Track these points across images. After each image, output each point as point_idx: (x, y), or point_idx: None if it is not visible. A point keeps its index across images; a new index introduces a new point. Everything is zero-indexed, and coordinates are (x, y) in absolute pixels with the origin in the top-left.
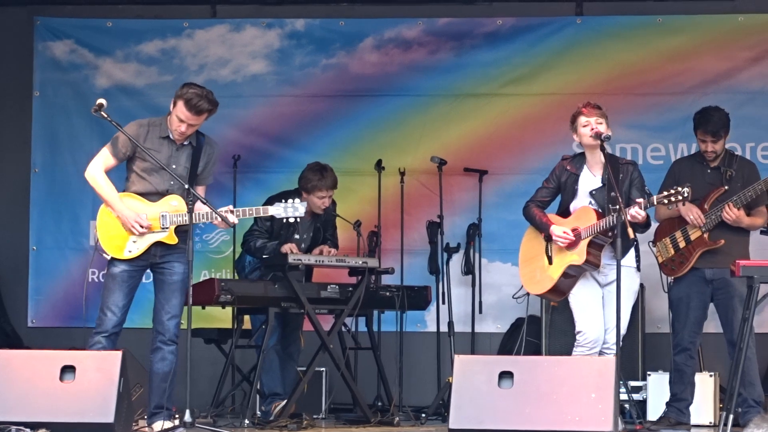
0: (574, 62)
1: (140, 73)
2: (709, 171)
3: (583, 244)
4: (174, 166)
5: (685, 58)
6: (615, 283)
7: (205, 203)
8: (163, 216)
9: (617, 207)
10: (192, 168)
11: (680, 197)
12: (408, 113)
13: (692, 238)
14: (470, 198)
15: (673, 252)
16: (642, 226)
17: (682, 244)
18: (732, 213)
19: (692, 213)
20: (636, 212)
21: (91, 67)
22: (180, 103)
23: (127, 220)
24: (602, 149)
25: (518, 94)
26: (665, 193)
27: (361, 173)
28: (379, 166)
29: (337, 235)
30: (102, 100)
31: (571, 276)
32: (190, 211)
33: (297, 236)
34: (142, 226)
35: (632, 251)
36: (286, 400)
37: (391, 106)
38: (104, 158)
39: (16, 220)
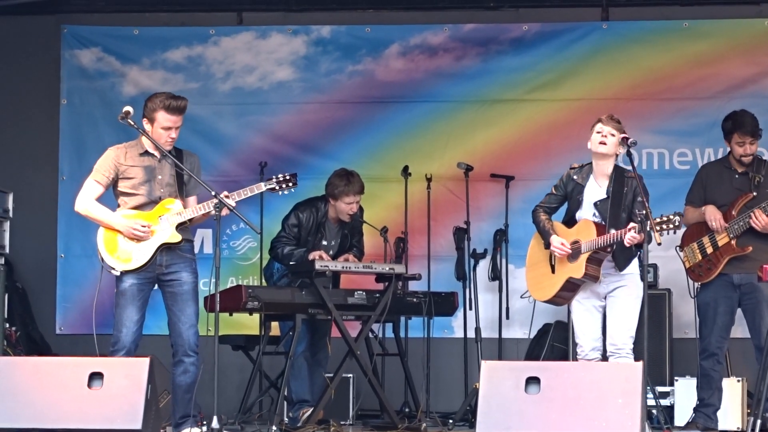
0: (600, 67)
1: (167, 80)
2: (737, 176)
3: (583, 258)
4: (160, 177)
5: (711, 62)
6: (620, 288)
7: (232, 209)
8: (161, 218)
9: (629, 219)
10: (178, 176)
11: (671, 226)
12: (434, 119)
13: (720, 244)
14: (497, 204)
15: (700, 257)
16: (640, 246)
17: (709, 250)
18: (761, 220)
19: (715, 220)
20: (632, 237)
21: (118, 75)
22: (159, 114)
23: (128, 228)
24: (628, 153)
25: (544, 100)
26: (658, 219)
27: (387, 180)
28: (405, 172)
29: (363, 242)
30: (128, 108)
31: (571, 288)
32: (218, 218)
33: (325, 242)
34: (143, 226)
35: (635, 260)
36: (314, 407)
37: (417, 113)
38: (91, 189)
39: (44, 227)
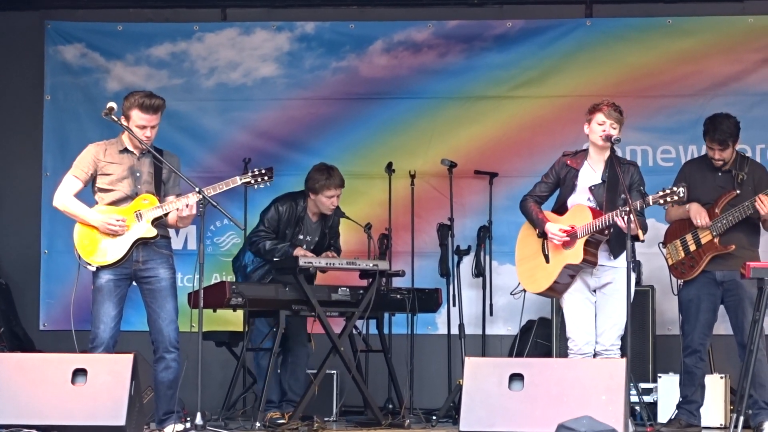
0: (583, 64)
1: (151, 76)
2: (719, 174)
3: (580, 243)
4: (138, 175)
5: (694, 60)
6: (609, 285)
7: (216, 206)
8: (137, 213)
9: (626, 208)
10: (156, 175)
11: (675, 197)
12: (418, 116)
13: (703, 241)
14: (481, 200)
15: (683, 255)
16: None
17: (692, 248)
18: (766, 204)
19: (700, 217)
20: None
21: (102, 71)
22: (134, 112)
23: (103, 223)
24: (612, 151)
25: (528, 97)
26: (660, 193)
27: (371, 176)
28: (389, 168)
29: (340, 243)
30: (112, 104)
31: (569, 275)
32: (202, 214)
33: (302, 236)
34: (118, 220)
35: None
36: (278, 409)
37: (401, 109)
38: (69, 184)
39: (28, 224)
